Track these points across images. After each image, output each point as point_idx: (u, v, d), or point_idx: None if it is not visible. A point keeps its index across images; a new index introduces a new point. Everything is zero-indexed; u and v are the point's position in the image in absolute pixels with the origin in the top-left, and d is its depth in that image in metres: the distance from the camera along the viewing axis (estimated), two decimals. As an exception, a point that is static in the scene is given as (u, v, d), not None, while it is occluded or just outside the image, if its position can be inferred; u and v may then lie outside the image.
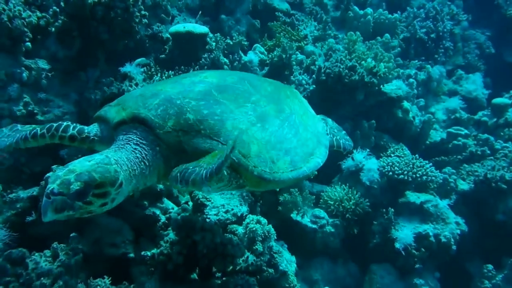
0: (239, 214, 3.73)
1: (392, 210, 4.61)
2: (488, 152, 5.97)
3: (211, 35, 5.44)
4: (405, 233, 4.56)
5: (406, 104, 5.84)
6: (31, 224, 2.90)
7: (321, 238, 4.56)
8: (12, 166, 3.31)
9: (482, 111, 7.10)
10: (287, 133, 2.50)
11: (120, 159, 2.09)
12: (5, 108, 3.43)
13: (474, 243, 5.17)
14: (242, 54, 5.58)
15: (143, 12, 4.41)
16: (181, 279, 3.02)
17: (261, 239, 3.38)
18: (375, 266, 4.64)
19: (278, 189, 4.34)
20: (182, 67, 4.94)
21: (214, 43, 5.31)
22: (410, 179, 4.83)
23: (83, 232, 2.98)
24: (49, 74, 3.73)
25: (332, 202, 4.67)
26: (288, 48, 5.48)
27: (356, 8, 7.35)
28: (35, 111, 3.55)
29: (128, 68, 4.23)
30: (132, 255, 3.05)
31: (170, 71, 4.68)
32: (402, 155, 5.16)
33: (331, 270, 4.62)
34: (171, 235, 3.13)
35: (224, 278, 3.09)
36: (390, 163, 4.90)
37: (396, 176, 4.82)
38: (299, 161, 2.44)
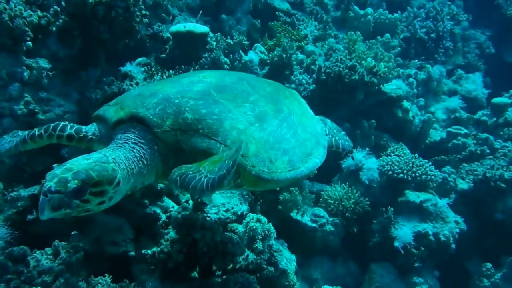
0: (239, 213, 3.75)
1: (392, 209, 4.63)
2: (488, 151, 5.98)
3: (211, 34, 5.45)
4: (404, 232, 4.58)
5: (406, 103, 5.85)
6: (32, 222, 2.92)
7: (321, 237, 4.57)
8: (13, 165, 3.33)
9: (482, 110, 7.12)
10: (286, 133, 2.50)
11: (118, 158, 2.10)
12: (6, 107, 3.44)
13: (473, 242, 5.18)
14: (243, 54, 5.59)
15: (143, 12, 4.42)
16: (182, 277, 3.03)
17: (261, 237, 3.40)
18: (375, 265, 4.66)
19: (278, 189, 4.36)
20: (183, 66, 4.95)
21: (214, 43, 5.32)
22: (409, 178, 4.85)
23: (84, 230, 2.99)
24: (50, 74, 3.74)
25: (332, 201, 4.69)
26: (288, 48, 5.49)
27: (356, 8, 7.36)
28: (36, 110, 3.56)
29: (128, 67, 4.24)
30: (132, 253, 3.07)
31: (171, 71, 4.69)
32: (402, 155, 5.18)
33: (330, 269, 4.63)
34: (171, 233, 3.15)
35: (224, 276, 3.11)
36: (390, 162, 4.91)
37: (395, 175, 4.84)
38: (298, 161, 2.45)
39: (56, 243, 2.64)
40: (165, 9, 5.61)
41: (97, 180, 1.89)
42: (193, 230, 2.98)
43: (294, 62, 5.71)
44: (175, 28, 5.17)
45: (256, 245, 3.34)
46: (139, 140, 2.24)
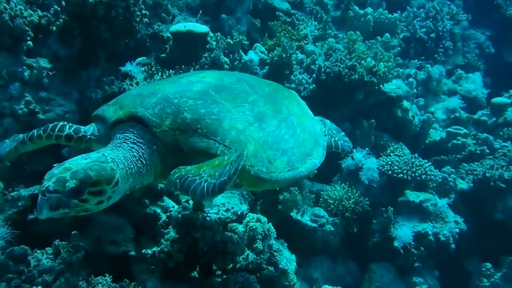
0: (239, 213, 3.75)
1: (392, 209, 4.63)
2: (487, 151, 6.00)
3: (211, 34, 5.45)
4: (404, 232, 4.58)
5: (405, 103, 5.86)
6: (32, 222, 2.91)
7: (321, 237, 4.58)
8: (14, 165, 3.33)
9: (482, 110, 7.14)
10: (285, 133, 2.50)
11: (116, 158, 2.09)
12: (6, 106, 3.44)
13: (473, 242, 5.19)
14: (243, 54, 5.59)
15: (144, 12, 4.41)
16: (182, 277, 3.03)
17: (261, 237, 3.40)
18: (375, 264, 4.66)
19: (278, 188, 4.36)
20: (183, 66, 4.95)
21: (214, 43, 5.32)
22: (409, 178, 4.85)
23: (84, 230, 2.99)
24: (50, 73, 3.74)
25: (332, 201, 4.70)
26: (288, 48, 5.49)
27: (356, 7, 7.37)
28: (37, 110, 3.55)
29: (128, 67, 4.24)
30: (133, 253, 3.07)
31: (171, 70, 4.69)
32: (402, 154, 5.19)
33: (330, 269, 4.64)
34: (171, 233, 3.15)
35: (224, 276, 3.11)
36: (390, 162, 4.92)
37: (395, 175, 4.84)
38: (296, 161, 2.45)
39: (56, 243, 2.65)
40: (165, 8, 5.61)
41: (95, 179, 1.89)
42: (193, 229, 2.98)
43: (294, 62, 5.71)
44: (175, 27, 5.17)
45: (256, 244, 3.34)
46: (138, 139, 2.24)
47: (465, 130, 6.45)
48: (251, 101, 2.50)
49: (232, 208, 3.76)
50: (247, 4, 6.55)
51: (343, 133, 3.47)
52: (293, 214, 4.50)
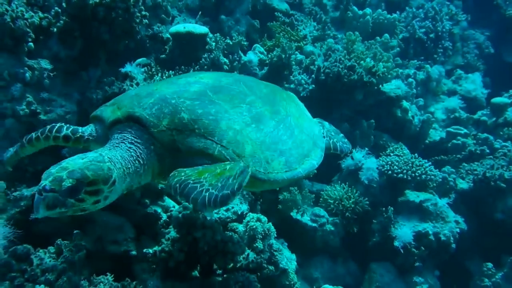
0: (239, 212, 3.77)
1: (392, 208, 4.64)
2: (488, 151, 6.00)
3: (211, 35, 5.47)
4: (404, 231, 4.59)
5: (405, 103, 5.87)
6: (35, 221, 2.92)
7: (321, 237, 4.59)
8: (16, 165, 3.35)
9: (482, 110, 7.15)
10: (282, 134, 2.51)
11: (114, 157, 2.10)
12: (8, 107, 3.46)
13: (474, 242, 5.20)
14: (242, 54, 5.61)
15: (143, 13, 4.44)
16: (183, 276, 3.05)
17: (261, 237, 3.41)
18: (375, 264, 4.67)
19: (277, 188, 4.38)
20: (183, 67, 4.97)
21: (214, 43, 5.34)
22: (409, 178, 4.86)
23: (86, 229, 3.01)
24: (51, 74, 3.76)
25: (331, 201, 4.71)
26: (287, 48, 5.51)
27: (355, 8, 7.38)
28: (38, 111, 3.57)
29: (129, 68, 4.26)
30: (134, 252, 3.08)
31: (171, 71, 4.71)
32: (401, 154, 5.20)
33: (331, 269, 4.65)
34: (172, 232, 3.16)
35: (225, 275, 3.13)
36: (389, 162, 4.93)
37: (395, 175, 4.85)
38: (294, 162, 2.46)
39: (59, 242, 2.66)
40: (165, 10, 5.64)
41: (92, 179, 1.90)
42: (193, 229, 3.00)
43: (293, 63, 5.73)
44: (174, 28, 5.20)
45: (257, 244, 3.36)
46: (135, 139, 2.25)
47: (465, 130, 6.45)
48: (249, 102, 2.51)
49: (232, 207, 3.77)
50: (246, 5, 6.57)
51: (342, 134, 3.48)
52: (293, 214, 4.51)
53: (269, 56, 5.65)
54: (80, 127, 2.57)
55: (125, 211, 3.28)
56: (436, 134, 6.54)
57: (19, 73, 3.54)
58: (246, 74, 5.40)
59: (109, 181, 1.96)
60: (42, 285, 2.37)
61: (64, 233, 2.83)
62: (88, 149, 2.55)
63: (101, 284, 2.59)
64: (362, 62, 5.34)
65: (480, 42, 9.12)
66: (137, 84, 4.21)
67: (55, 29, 3.93)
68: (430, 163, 5.11)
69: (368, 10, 7.34)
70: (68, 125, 2.56)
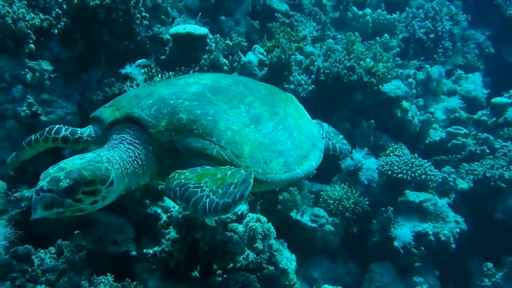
0: (239, 213, 3.78)
1: (392, 209, 4.65)
2: (488, 151, 6.00)
3: (211, 36, 5.49)
4: (404, 231, 4.60)
5: (405, 103, 5.88)
6: (35, 222, 2.94)
7: (320, 237, 4.60)
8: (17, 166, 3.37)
9: (482, 110, 7.14)
10: (281, 135, 2.52)
11: (112, 158, 2.11)
12: (9, 108, 3.48)
13: (474, 242, 5.20)
14: (242, 55, 5.63)
15: (143, 14, 4.45)
16: (183, 277, 3.06)
17: (261, 237, 3.42)
18: (375, 264, 4.68)
19: (277, 189, 4.39)
20: (182, 68, 4.98)
21: (214, 44, 5.35)
22: (409, 178, 4.87)
23: (86, 230, 3.03)
24: (52, 75, 3.78)
25: (331, 201, 4.72)
26: (287, 49, 5.52)
27: (355, 8, 7.39)
28: (39, 112, 3.59)
29: (129, 69, 4.28)
30: (134, 253, 3.10)
31: (171, 72, 4.72)
32: (401, 155, 5.20)
33: (330, 269, 4.65)
34: (172, 233, 3.18)
35: (224, 276, 3.14)
36: (389, 162, 4.93)
37: (395, 175, 4.86)
38: (293, 163, 2.46)
39: (59, 242, 2.68)
40: (165, 11, 5.65)
41: (89, 179, 1.90)
42: (193, 229, 3.01)
43: (293, 63, 5.74)
44: (174, 29, 5.21)
45: (256, 244, 3.37)
46: (134, 140, 2.26)
47: (465, 130, 6.45)
48: (248, 103, 2.52)
49: (232, 208, 3.78)
50: (246, 5, 6.58)
51: (341, 136, 3.49)
52: (293, 214, 4.52)
53: (269, 56, 5.66)
54: (79, 128, 2.59)
55: (125, 211, 3.29)
56: (436, 134, 6.55)
57: (20, 75, 3.56)
58: (246, 74, 5.41)
59: (106, 182, 1.97)
60: (43, 285, 2.39)
61: (64, 233, 2.85)
62: (87, 150, 2.56)
63: (101, 284, 2.60)
64: (362, 62, 5.35)
65: (480, 42, 9.12)
66: (137, 85, 4.23)
67: (56, 31, 3.95)
68: (430, 163, 5.11)
69: (368, 11, 7.35)
70: (66, 127, 2.58)
